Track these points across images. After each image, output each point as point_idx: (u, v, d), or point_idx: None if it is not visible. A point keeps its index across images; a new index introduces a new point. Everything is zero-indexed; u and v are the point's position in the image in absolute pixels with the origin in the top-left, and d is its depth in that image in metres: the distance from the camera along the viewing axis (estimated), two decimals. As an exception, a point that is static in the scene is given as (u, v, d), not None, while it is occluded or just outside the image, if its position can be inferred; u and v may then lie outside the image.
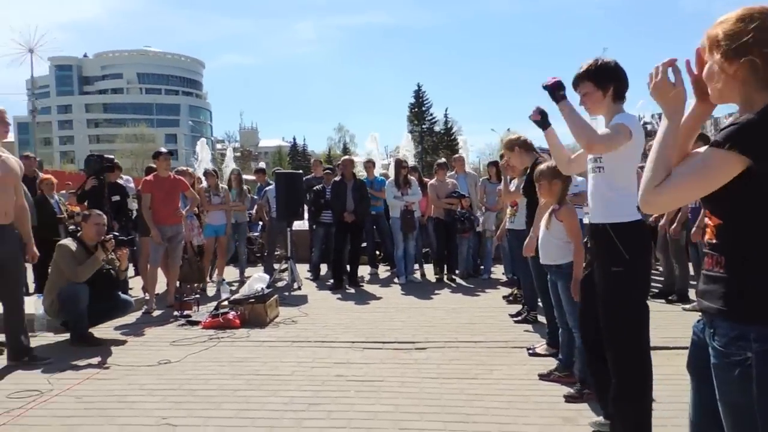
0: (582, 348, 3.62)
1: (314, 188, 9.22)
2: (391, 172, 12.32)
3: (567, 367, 4.04)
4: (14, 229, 4.54)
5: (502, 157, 7.94)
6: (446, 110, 60.07)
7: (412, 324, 5.93)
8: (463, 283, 8.43)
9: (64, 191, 11.99)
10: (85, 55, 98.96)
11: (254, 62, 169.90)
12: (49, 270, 5.48)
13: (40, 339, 5.38)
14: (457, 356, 4.78)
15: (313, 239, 9.35)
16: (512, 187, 5.61)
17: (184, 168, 8.83)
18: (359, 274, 8.76)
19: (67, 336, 5.37)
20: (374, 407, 3.66)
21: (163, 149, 7.39)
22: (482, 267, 9.03)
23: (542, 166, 3.88)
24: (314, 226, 9.30)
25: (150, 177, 7.02)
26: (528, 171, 4.90)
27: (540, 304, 5.21)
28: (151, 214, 6.77)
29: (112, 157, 7.84)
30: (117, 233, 5.73)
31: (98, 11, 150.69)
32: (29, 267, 7.21)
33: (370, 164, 9.91)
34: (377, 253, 10.07)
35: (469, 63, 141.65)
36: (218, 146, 71.03)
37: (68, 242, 5.46)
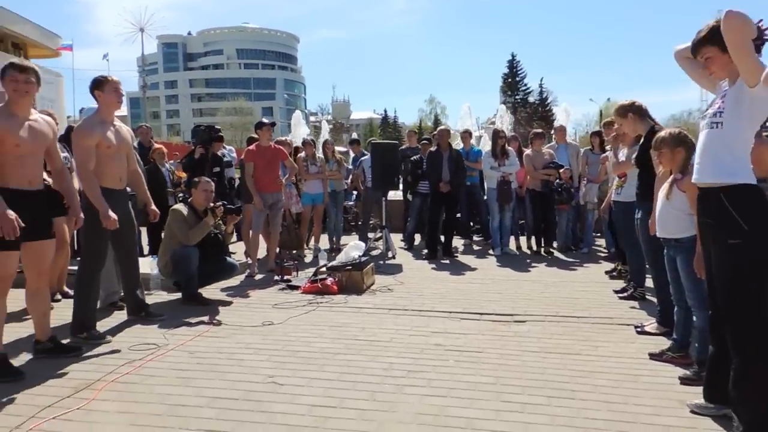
0: (703, 328, 3.38)
1: (411, 158, 9.17)
2: (484, 144, 12.08)
3: (682, 347, 3.79)
4: (127, 194, 4.78)
5: (607, 125, 7.58)
6: (541, 80, 57.87)
7: (510, 296, 5.80)
8: (562, 257, 8.15)
9: (171, 161, 12.65)
10: (189, 33, 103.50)
11: (346, 36, 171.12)
12: (163, 233, 5.79)
13: (155, 297, 5.71)
14: (558, 331, 4.62)
15: (409, 209, 9.34)
16: (622, 157, 5.29)
17: (284, 138, 9.04)
18: (453, 244, 8.67)
19: (179, 295, 5.67)
20: (474, 378, 3.60)
21: (266, 120, 7.57)
22: (582, 240, 8.69)
23: (663, 134, 3.60)
24: (410, 196, 9.28)
25: (252, 147, 7.22)
26: (642, 139, 4.58)
27: (649, 280, 4.92)
28: (253, 182, 6.98)
29: (219, 127, 8.09)
30: (225, 202, 5.94)
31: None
32: (143, 230, 7.70)
33: (466, 134, 9.71)
34: (471, 224, 9.93)
35: (565, 31, 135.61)
36: (312, 119, 72.50)
37: (180, 207, 5.73)
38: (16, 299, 4.15)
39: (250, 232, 7.17)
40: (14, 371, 3.58)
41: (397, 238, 9.25)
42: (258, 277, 6.79)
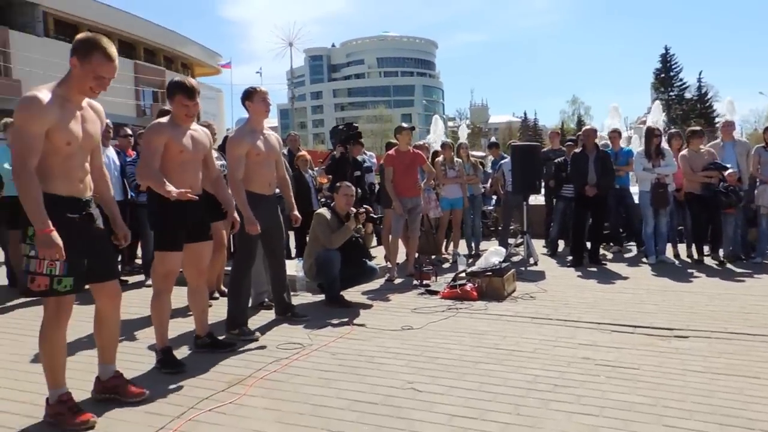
0: None
1: (555, 161, 8.77)
2: (634, 145, 11.24)
3: None
4: (276, 199, 4.99)
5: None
6: (700, 74, 53.11)
7: (668, 308, 5.29)
8: (730, 267, 7.33)
9: (316, 168, 13.21)
10: (333, 45, 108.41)
11: (485, 38, 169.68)
12: (308, 237, 6.00)
13: (300, 298, 5.93)
14: (729, 349, 4.11)
15: (552, 214, 8.94)
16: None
17: (422, 142, 9.05)
18: (601, 251, 8.15)
19: (322, 297, 5.84)
20: (629, 397, 3.29)
21: (405, 124, 7.60)
22: (754, 249, 7.76)
23: None
24: (554, 200, 8.88)
25: (392, 151, 7.29)
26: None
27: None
28: (392, 186, 7.04)
29: (356, 125, 8.20)
30: (370, 208, 6.03)
31: (344, 3, 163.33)
32: (291, 233, 8.07)
33: (615, 134, 9.11)
34: (620, 230, 9.27)
35: (725, 20, 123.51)
36: (450, 124, 72.57)
37: (324, 211, 5.91)
38: (182, 296, 4.48)
39: (390, 236, 7.23)
40: (177, 363, 3.86)
41: (538, 244, 8.88)
42: (397, 281, 6.83)
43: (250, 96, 4.71)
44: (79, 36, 3.00)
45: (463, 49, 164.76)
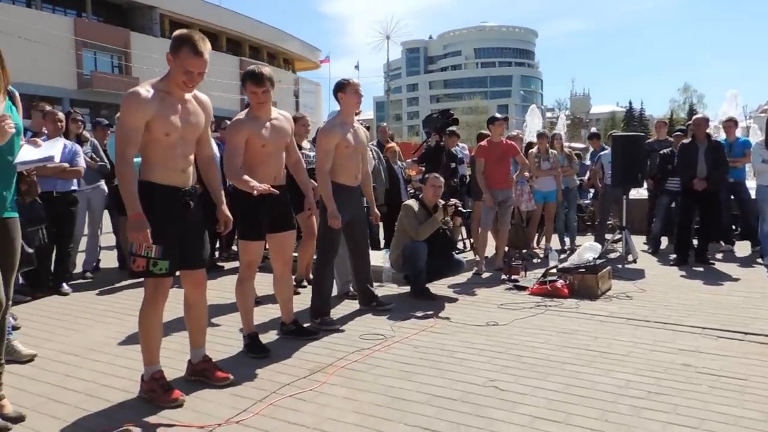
0: None
1: (661, 152, 8.22)
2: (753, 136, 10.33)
3: None
4: (360, 190, 4.99)
5: None
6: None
7: (786, 315, 4.81)
8: None
9: (408, 159, 13.21)
10: (430, 37, 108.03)
11: (587, 26, 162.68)
12: (395, 227, 5.98)
13: (386, 289, 5.93)
14: None
15: (656, 208, 8.40)
16: None
17: (515, 132, 8.78)
18: (709, 250, 7.55)
19: (407, 289, 5.81)
20: (736, 410, 3.00)
21: (498, 114, 7.38)
22: None
23: None
24: (658, 194, 8.34)
25: (484, 142, 7.11)
26: None
27: None
28: (483, 178, 6.87)
29: (452, 111, 7.99)
30: (459, 201, 5.91)
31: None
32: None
33: (730, 123, 8.40)
34: (734, 227, 8.56)
35: None
36: (548, 115, 70.32)
37: (412, 203, 5.86)
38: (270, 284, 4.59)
39: (479, 229, 7.08)
40: (263, 349, 3.96)
41: (639, 241, 8.39)
42: (485, 275, 6.67)
43: (343, 87, 4.73)
44: (175, 32, 3.12)
45: (565, 38, 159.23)
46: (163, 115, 3.00)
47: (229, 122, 7.95)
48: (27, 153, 3.18)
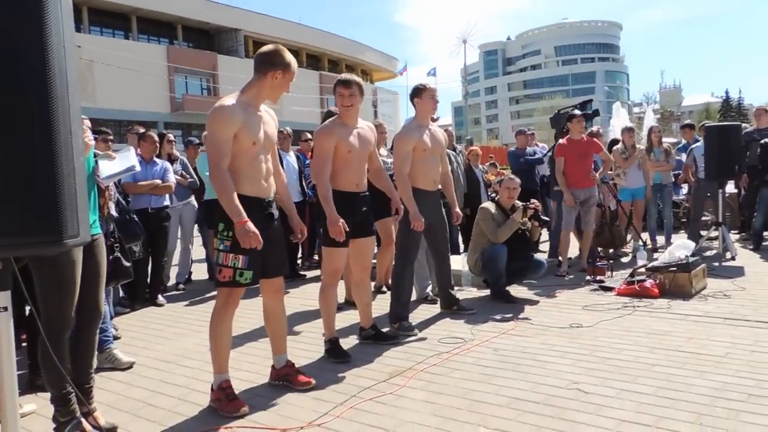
0: None
1: (762, 141, 7.67)
2: None
3: None
4: (439, 194, 4.99)
5: None
6: None
7: None
8: None
9: (487, 163, 13.09)
10: (508, 38, 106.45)
11: (676, 14, 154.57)
12: (473, 230, 5.92)
13: (466, 293, 5.88)
14: None
15: (758, 202, 7.84)
16: None
17: (596, 128, 8.48)
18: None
19: (487, 292, 5.73)
20: None
21: (577, 111, 7.15)
22: None
23: None
24: (761, 188, 7.78)
25: (563, 140, 6.92)
26: None
27: None
28: (564, 177, 6.69)
29: (590, 98, 7.55)
30: (539, 205, 5.77)
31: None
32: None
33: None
34: None
35: None
36: (635, 110, 67.36)
37: (489, 205, 5.79)
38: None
39: (562, 229, 6.87)
40: (343, 354, 4.02)
41: (737, 237, 7.85)
42: (568, 277, 6.48)
43: (419, 93, 4.78)
44: (272, 50, 3.27)
45: (652, 29, 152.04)
46: (249, 124, 3.15)
47: (310, 135, 8.23)
48: (108, 167, 3.41)
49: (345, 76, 4.06)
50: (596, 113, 7.11)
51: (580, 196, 6.68)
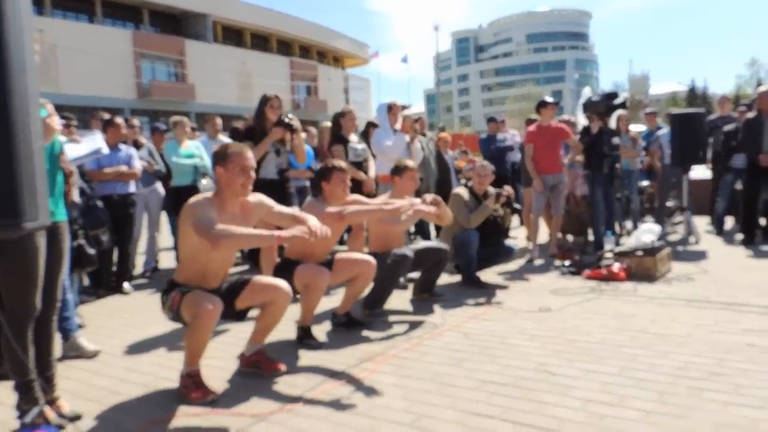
0: None
1: (724, 129, 7.85)
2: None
3: None
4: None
5: None
6: None
7: None
8: None
9: (457, 149, 13.17)
10: (480, 26, 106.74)
11: (643, 4, 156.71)
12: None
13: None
14: None
15: (720, 187, 8.04)
16: None
17: (567, 117, 8.57)
18: None
19: (458, 278, 5.78)
20: (803, 390, 2.86)
21: (549, 98, 7.15)
22: None
23: None
24: (723, 173, 7.98)
25: (532, 127, 6.99)
26: None
27: None
28: (533, 164, 6.75)
29: (615, 92, 7.49)
30: (512, 191, 5.78)
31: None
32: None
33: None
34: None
35: None
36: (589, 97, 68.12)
37: (461, 191, 5.81)
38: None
39: (531, 215, 6.96)
40: (313, 340, 4.01)
41: (701, 222, 8.05)
42: (538, 262, 6.58)
43: (399, 172, 4.82)
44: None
45: (620, 17, 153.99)
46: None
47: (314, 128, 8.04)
48: (74, 150, 3.33)
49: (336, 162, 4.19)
50: (624, 105, 7.04)
51: (550, 181, 6.76)
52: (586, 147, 6.74)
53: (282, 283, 3.40)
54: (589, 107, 6.96)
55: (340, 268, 4.18)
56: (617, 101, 6.81)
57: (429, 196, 4.54)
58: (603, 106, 6.72)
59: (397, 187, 4.80)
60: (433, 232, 8.27)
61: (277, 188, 5.11)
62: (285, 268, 3.96)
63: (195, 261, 3.24)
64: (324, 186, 4.14)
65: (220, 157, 3.22)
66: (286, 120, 5.15)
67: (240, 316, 3.45)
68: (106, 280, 5.84)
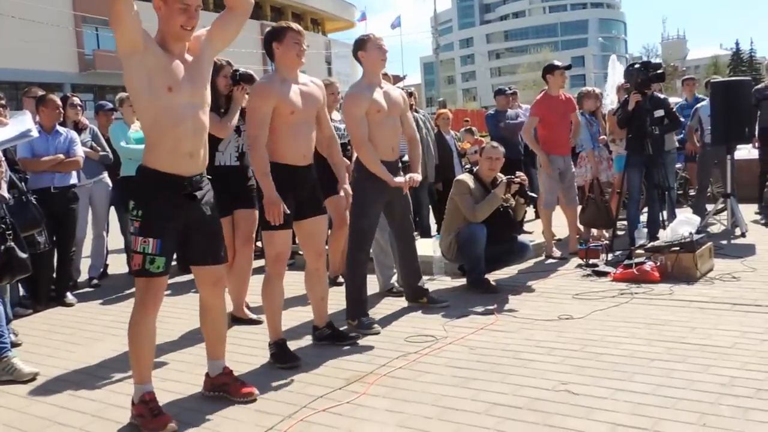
0: None
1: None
2: None
3: None
4: (399, 166, 4.95)
5: None
6: None
7: None
8: None
9: (462, 129, 13.17)
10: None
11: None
12: (446, 208, 5.95)
13: (438, 283, 5.93)
14: None
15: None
16: None
17: (590, 89, 8.55)
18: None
19: (463, 281, 5.80)
20: None
21: (558, 62, 7.12)
22: None
23: None
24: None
25: (539, 96, 6.97)
26: None
27: None
28: (538, 141, 6.74)
29: (658, 62, 7.39)
30: (525, 178, 5.76)
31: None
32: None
33: None
34: None
35: None
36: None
37: (465, 178, 5.81)
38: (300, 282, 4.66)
39: (542, 207, 6.98)
40: (291, 357, 4.01)
41: (748, 211, 8.09)
42: (556, 261, 6.62)
43: (362, 45, 4.74)
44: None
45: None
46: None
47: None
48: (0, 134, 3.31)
49: (283, 23, 4.09)
50: (662, 77, 7.02)
51: (559, 164, 6.75)
52: (626, 122, 6.73)
53: (222, 285, 3.51)
54: (627, 77, 6.97)
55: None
56: (656, 72, 6.78)
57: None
58: (639, 76, 6.70)
59: (366, 63, 4.77)
60: (433, 226, 8.30)
61: (237, 178, 4.97)
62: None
63: (162, 132, 3.18)
64: (275, 49, 4.00)
65: None
66: (238, 74, 4.86)
67: (186, 268, 3.53)
68: (44, 290, 5.81)
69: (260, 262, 7.02)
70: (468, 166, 8.88)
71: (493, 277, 5.76)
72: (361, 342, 4.36)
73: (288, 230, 4.01)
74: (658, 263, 5.59)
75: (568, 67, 6.96)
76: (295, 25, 4.09)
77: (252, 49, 36.97)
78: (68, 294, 5.99)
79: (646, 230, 6.78)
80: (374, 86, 4.73)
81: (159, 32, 3.22)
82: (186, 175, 3.22)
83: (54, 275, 5.95)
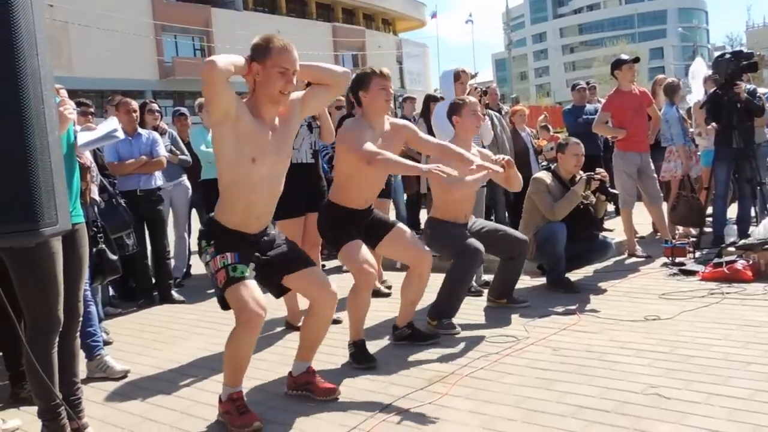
0: None
1: None
2: None
3: None
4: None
5: None
6: None
7: None
8: None
9: (538, 125, 12.97)
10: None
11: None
12: (523, 207, 5.87)
13: (517, 282, 5.84)
14: None
15: None
16: None
17: (671, 79, 8.28)
18: None
19: (543, 280, 5.71)
20: None
21: (626, 56, 6.95)
22: None
23: None
24: None
25: (612, 92, 6.87)
26: None
27: None
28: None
29: (751, 51, 7.23)
30: (605, 174, 5.59)
31: None
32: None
33: None
34: None
35: None
36: (716, 54, 65.79)
37: (543, 175, 5.72)
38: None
39: (621, 207, 6.79)
40: (369, 359, 4.01)
41: None
42: (641, 259, 6.45)
43: (458, 110, 4.82)
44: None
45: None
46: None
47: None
48: (87, 135, 3.45)
49: (371, 67, 4.09)
50: (753, 67, 6.71)
51: (636, 161, 6.57)
52: (714, 114, 6.50)
53: (332, 287, 3.46)
54: (716, 67, 6.74)
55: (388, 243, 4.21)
56: (748, 62, 6.48)
57: (499, 156, 4.49)
58: (729, 67, 6.42)
59: (460, 128, 4.77)
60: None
61: (311, 176, 5.00)
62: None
63: (238, 195, 3.23)
64: (362, 96, 3.98)
65: (259, 51, 3.11)
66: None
67: (281, 292, 3.56)
68: (146, 290, 6.11)
69: (334, 262, 7.16)
70: (545, 163, 8.70)
71: (573, 276, 5.66)
72: (441, 342, 4.34)
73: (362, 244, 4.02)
74: (751, 261, 5.38)
75: (636, 60, 6.80)
76: (380, 69, 4.04)
77: (324, 51, 37.49)
78: (173, 292, 6.21)
79: (735, 227, 6.54)
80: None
81: (253, 96, 3.22)
82: (252, 233, 3.32)
83: (152, 275, 6.20)
